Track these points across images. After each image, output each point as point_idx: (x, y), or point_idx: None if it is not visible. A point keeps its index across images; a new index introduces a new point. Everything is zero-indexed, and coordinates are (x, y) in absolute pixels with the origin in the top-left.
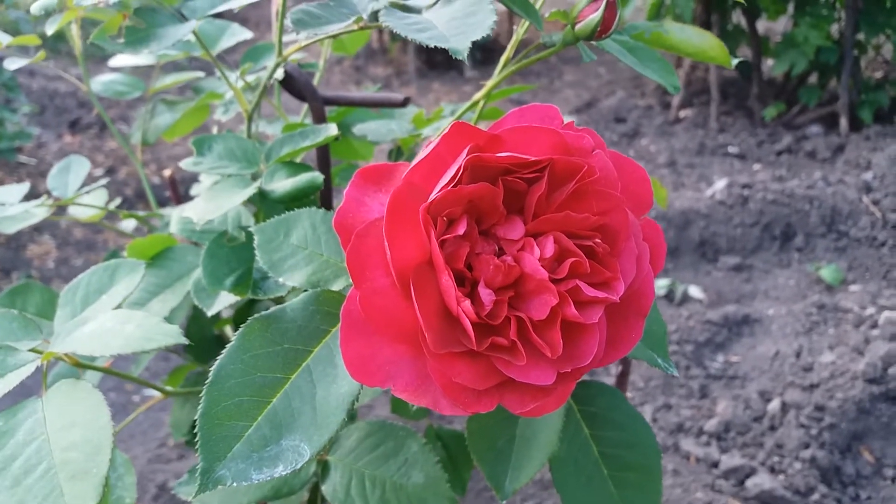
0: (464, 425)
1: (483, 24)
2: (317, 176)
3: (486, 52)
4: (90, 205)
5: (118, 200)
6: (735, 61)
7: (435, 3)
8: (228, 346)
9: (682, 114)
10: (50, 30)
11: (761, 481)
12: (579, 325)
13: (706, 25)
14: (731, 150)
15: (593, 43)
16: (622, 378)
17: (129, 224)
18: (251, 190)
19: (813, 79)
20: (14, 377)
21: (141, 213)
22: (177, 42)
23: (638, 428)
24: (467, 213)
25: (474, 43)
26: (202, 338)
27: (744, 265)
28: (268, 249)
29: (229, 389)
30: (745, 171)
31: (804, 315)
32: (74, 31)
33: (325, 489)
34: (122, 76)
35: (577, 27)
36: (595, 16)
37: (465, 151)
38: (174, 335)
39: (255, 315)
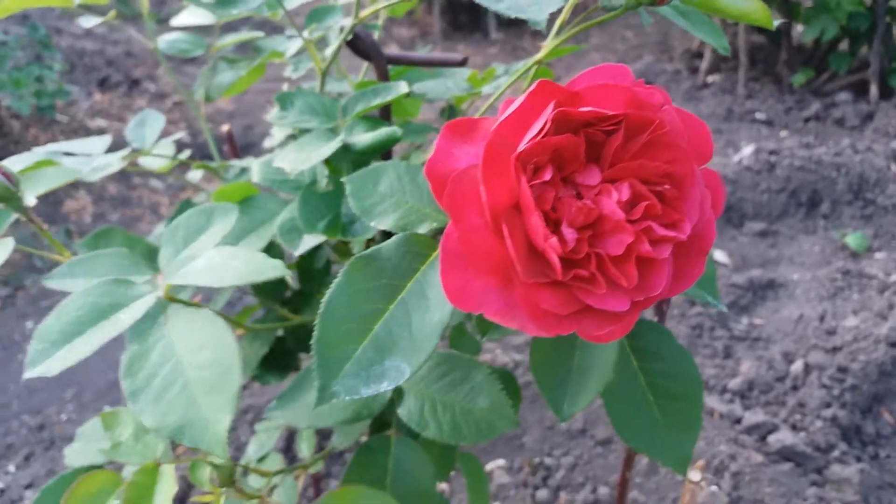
0: (511, 364)
1: None
2: (395, 130)
3: None
4: (163, 155)
5: (187, 152)
6: (777, 23)
7: None
8: (335, 281)
9: (710, 79)
10: None
11: (783, 437)
12: (651, 260)
13: None
14: (759, 116)
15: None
16: (660, 319)
17: (195, 175)
18: (336, 143)
19: (843, 45)
20: (139, 307)
21: (213, 164)
22: (260, 3)
23: (682, 361)
24: (551, 162)
25: None
26: (268, 281)
27: (769, 231)
28: (359, 197)
29: (338, 318)
30: (772, 138)
31: (829, 280)
32: None
33: (401, 412)
34: (185, 35)
35: None
36: None
37: (551, 106)
38: (279, 268)
39: (356, 255)
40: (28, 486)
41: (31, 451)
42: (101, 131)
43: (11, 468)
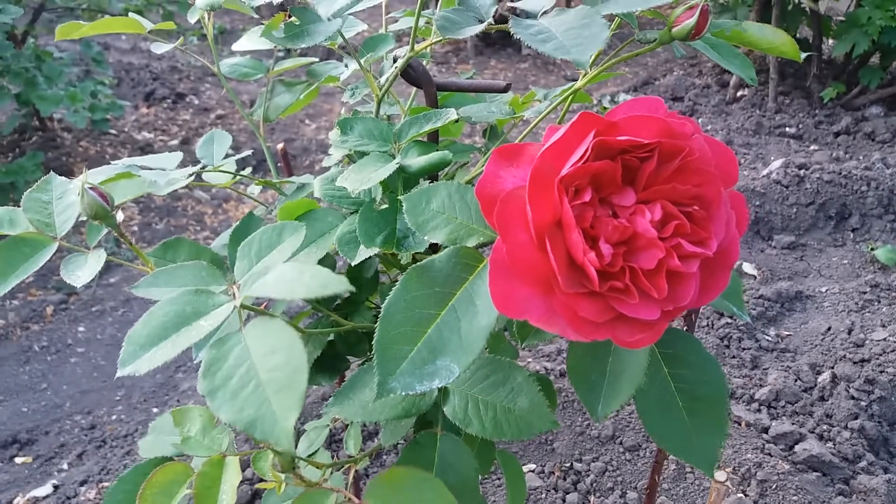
0: (543, 371)
1: (599, 38)
2: (447, 154)
3: None
4: (228, 171)
5: (249, 169)
6: (804, 56)
7: (548, 11)
8: (394, 289)
9: (740, 93)
10: (192, 19)
11: (810, 447)
12: (680, 274)
13: (767, 5)
14: (789, 130)
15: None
16: (688, 328)
17: (254, 189)
18: (393, 166)
19: (875, 59)
20: (218, 315)
21: (275, 181)
22: (327, 37)
23: (709, 368)
24: (591, 185)
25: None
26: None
27: (798, 244)
28: (414, 213)
29: (396, 322)
30: (801, 152)
31: (857, 293)
32: (208, 21)
33: (447, 410)
34: (246, 59)
35: (674, 30)
36: (690, 21)
37: (592, 135)
38: (344, 284)
39: (412, 266)
40: (83, 483)
41: (83, 450)
42: (147, 144)
43: (64, 466)
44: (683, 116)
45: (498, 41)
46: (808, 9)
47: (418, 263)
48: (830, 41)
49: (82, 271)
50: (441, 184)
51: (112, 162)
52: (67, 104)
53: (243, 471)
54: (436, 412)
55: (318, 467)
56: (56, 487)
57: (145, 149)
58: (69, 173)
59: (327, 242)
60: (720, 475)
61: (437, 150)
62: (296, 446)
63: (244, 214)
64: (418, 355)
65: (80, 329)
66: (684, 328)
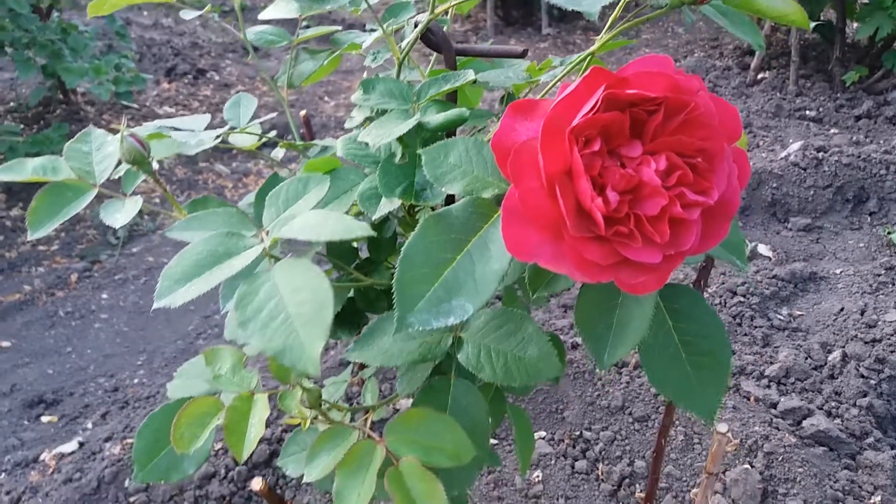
0: (553, 327)
1: None
2: (464, 111)
3: (562, 11)
4: (254, 133)
5: (274, 132)
6: (813, 24)
7: None
8: (413, 234)
9: (761, 76)
10: None
11: (817, 422)
12: (682, 221)
13: None
14: (809, 113)
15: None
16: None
17: (277, 153)
18: (413, 121)
19: None
20: (249, 254)
21: (299, 143)
22: (347, 1)
23: (712, 323)
24: (600, 136)
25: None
26: (342, 248)
27: (814, 226)
28: (432, 166)
29: (415, 264)
30: (821, 135)
31: (872, 276)
32: None
33: (460, 357)
34: (271, 27)
35: None
36: None
37: (602, 88)
38: (366, 229)
39: (430, 214)
40: (108, 440)
41: (107, 411)
42: (168, 118)
43: (89, 425)
44: (690, 74)
45: (519, 20)
46: None
47: (436, 211)
48: (854, 24)
49: (120, 214)
50: (458, 139)
51: (144, 124)
52: (92, 77)
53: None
54: (450, 363)
55: (340, 410)
56: (81, 444)
57: None
58: None
59: (349, 199)
60: (721, 426)
61: (457, 108)
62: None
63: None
64: (435, 295)
65: (104, 296)
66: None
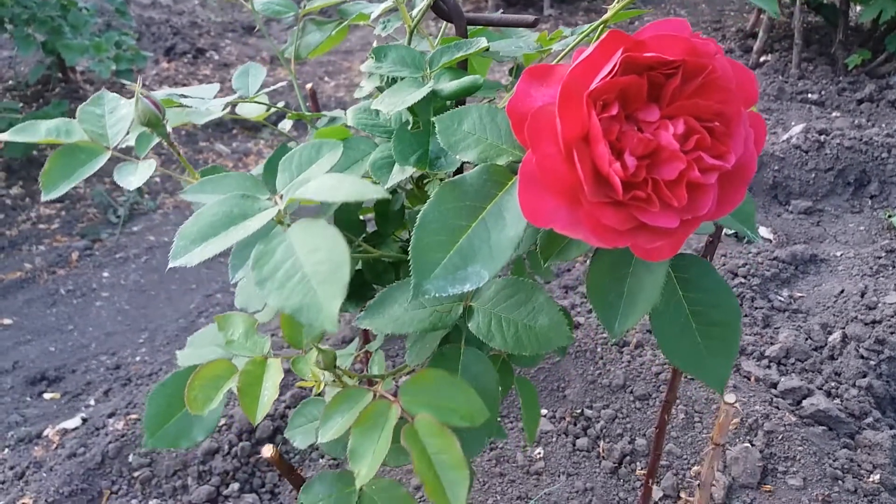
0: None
1: None
2: (478, 78)
3: None
4: (263, 103)
5: (282, 103)
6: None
7: None
8: (428, 201)
9: (763, 59)
10: None
11: (817, 402)
12: (700, 185)
13: None
14: (811, 96)
15: None
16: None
17: (285, 125)
18: (427, 89)
19: None
20: (265, 216)
21: (308, 114)
22: None
23: (722, 292)
24: (618, 100)
25: None
26: (350, 221)
27: (815, 209)
28: (446, 134)
29: (431, 231)
30: (823, 118)
31: (872, 258)
32: None
33: (471, 325)
34: None
35: None
36: None
37: (620, 52)
38: (380, 191)
39: (445, 181)
40: (111, 416)
41: (109, 388)
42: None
43: (91, 402)
44: (707, 37)
45: (520, 1)
46: None
47: (451, 179)
48: (857, 7)
49: (134, 176)
50: (472, 106)
51: (152, 91)
52: (93, 54)
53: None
54: (459, 333)
55: (350, 377)
56: (84, 420)
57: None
58: None
59: (361, 169)
60: (729, 396)
61: (470, 75)
62: None
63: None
64: (450, 261)
65: (105, 274)
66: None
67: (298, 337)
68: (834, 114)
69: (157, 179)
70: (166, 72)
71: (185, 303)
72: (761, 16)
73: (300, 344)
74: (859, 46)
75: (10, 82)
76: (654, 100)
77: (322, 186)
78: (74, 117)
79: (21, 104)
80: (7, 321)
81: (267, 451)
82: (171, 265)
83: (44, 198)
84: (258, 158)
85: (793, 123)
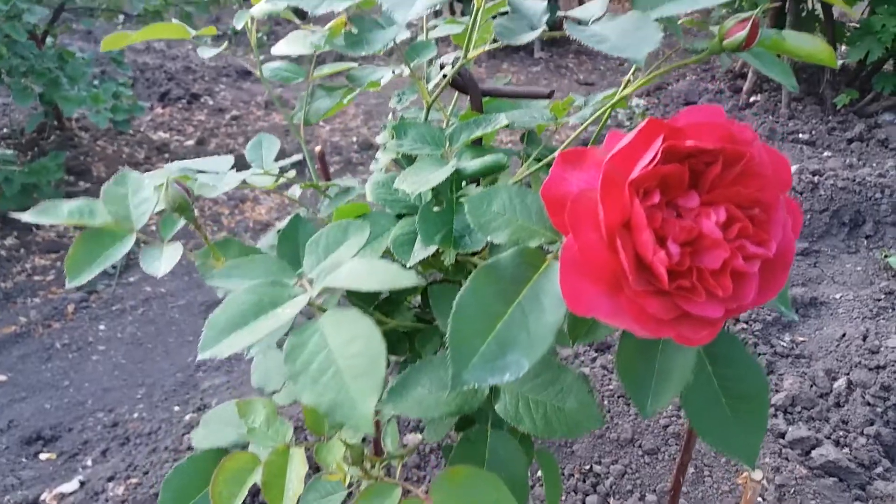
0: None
1: (653, 38)
2: (502, 157)
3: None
4: (275, 174)
5: (293, 172)
6: (840, 62)
7: (600, 18)
8: (464, 286)
9: (753, 99)
10: (238, 24)
11: (826, 452)
12: (743, 274)
13: (781, 11)
14: (802, 136)
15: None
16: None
17: (295, 191)
18: (450, 168)
19: (888, 66)
20: (297, 303)
21: (321, 183)
22: (384, 45)
23: (750, 365)
24: (659, 187)
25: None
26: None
27: (811, 250)
28: (476, 214)
29: (467, 317)
30: (815, 158)
31: (872, 300)
32: (252, 26)
33: (498, 408)
34: (286, 63)
35: (725, 42)
36: (741, 34)
37: (660, 140)
38: (413, 279)
39: (481, 265)
40: (110, 479)
41: (106, 447)
42: (163, 144)
43: (89, 462)
44: (743, 123)
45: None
46: (821, 15)
47: (485, 263)
48: (844, 47)
49: (160, 262)
50: (501, 186)
51: (165, 166)
52: (90, 105)
53: None
54: (480, 411)
55: (372, 461)
56: (82, 483)
57: (161, 149)
58: (87, 172)
59: (381, 245)
60: (756, 474)
61: (492, 154)
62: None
63: (260, 215)
64: (488, 349)
65: (101, 327)
66: None
67: (320, 424)
68: (825, 153)
69: (153, 228)
70: (161, 117)
71: (183, 356)
72: None
73: (322, 431)
74: (847, 86)
75: (5, 130)
76: (692, 187)
77: (353, 273)
78: (71, 170)
79: (16, 152)
80: (1, 378)
81: None
82: (199, 357)
83: (69, 284)
84: (254, 205)
85: None
